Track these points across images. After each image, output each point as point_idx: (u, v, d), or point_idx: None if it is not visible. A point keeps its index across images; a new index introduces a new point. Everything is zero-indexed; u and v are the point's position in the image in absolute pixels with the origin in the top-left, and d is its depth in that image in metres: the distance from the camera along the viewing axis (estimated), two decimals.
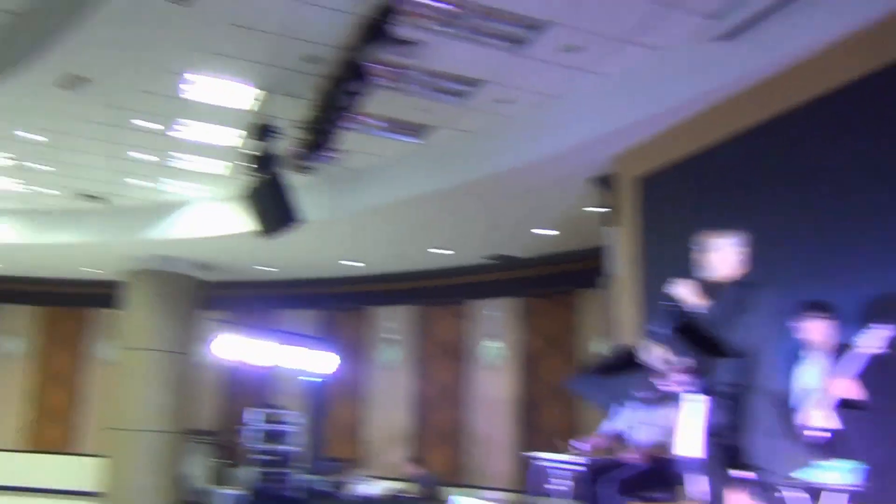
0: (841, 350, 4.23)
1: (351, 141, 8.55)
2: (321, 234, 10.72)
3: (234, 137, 8.52)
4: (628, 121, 6.84)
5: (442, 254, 11.82)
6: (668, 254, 6.74)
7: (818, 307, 4.45)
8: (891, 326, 3.98)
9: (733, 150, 6.16)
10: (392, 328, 13.75)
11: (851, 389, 4.11)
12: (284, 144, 7.74)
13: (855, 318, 4.37)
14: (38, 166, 9.57)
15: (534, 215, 9.74)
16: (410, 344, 13.48)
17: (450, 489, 11.86)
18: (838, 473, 3.81)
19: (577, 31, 6.21)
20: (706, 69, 6.13)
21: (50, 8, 6.53)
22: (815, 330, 4.40)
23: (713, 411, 3.48)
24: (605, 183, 8.01)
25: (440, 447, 12.68)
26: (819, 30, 5.34)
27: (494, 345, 12.51)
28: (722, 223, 5.94)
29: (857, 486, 3.89)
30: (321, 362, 8.92)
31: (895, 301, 4.62)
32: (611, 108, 6.97)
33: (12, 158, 9.33)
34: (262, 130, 7.73)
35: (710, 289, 3.61)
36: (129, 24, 6.32)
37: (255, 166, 7.92)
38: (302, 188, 9.58)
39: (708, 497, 3.62)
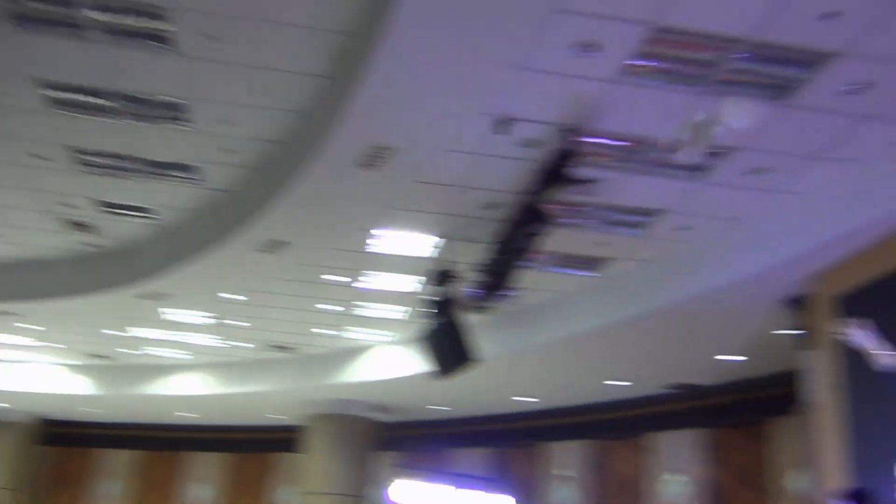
0: None
1: (527, 278, 8.71)
2: (495, 371, 10.75)
3: (414, 283, 8.87)
4: (823, 239, 6.56)
5: (619, 385, 11.52)
6: (870, 377, 6.27)
7: None
8: None
9: None
10: (566, 464, 13.32)
11: None
12: (462, 286, 7.96)
13: None
14: (237, 322, 10.31)
15: (717, 342, 9.38)
16: (586, 481, 12.97)
17: None
18: None
19: (763, 153, 6.15)
20: None
21: (257, 179, 7.23)
22: None
23: None
24: (797, 304, 7.65)
25: None
26: None
27: (677, 479, 11.81)
28: None
29: None
30: None
31: None
32: (801, 227, 6.74)
33: (214, 317, 10.13)
34: (441, 275, 8.01)
35: None
36: (326, 192, 6.85)
37: (433, 309, 8.16)
38: (478, 327, 9.78)
39: None
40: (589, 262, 8.38)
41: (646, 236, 7.66)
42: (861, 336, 6.19)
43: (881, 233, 6.29)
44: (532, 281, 8.74)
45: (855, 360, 6.59)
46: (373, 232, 7.76)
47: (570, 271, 8.57)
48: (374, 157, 6.33)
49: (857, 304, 6.66)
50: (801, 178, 6.46)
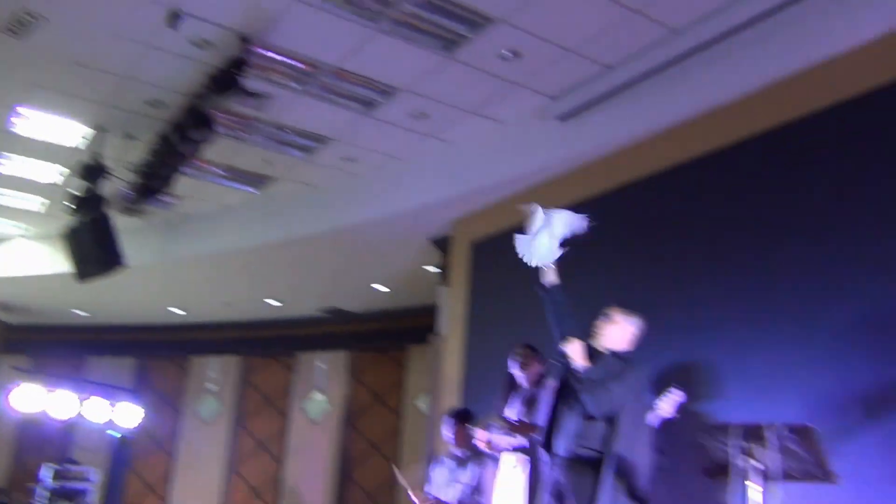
0: None
1: (186, 186, 8.38)
2: (145, 279, 10.28)
3: (58, 174, 8.09)
4: (467, 188, 7.19)
5: (272, 304, 11.65)
6: (492, 316, 7.10)
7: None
8: (681, 393, 4.45)
9: None
10: (213, 379, 13.25)
11: None
12: (114, 186, 7.43)
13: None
14: None
15: (369, 272, 9.87)
16: (232, 396, 13.03)
17: None
18: None
19: (426, 99, 6.51)
20: (543, 146, 6.59)
21: None
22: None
23: (561, 471, 3.63)
24: (440, 244, 8.32)
25: (254, 503, 12.27)
26: (641, 120, 5.93)
27: (319, 398, 12.37)
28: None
29: None
30: (126, 415, 8.39)
31: (689, 370, 5.11)
32: (452, 174, 7.30)
33: None
34: (91, 170, 7.37)
35: (594, 354, 3.84)
36: None
37: (78, 206, 7.52)
38: (129, 231, 9.20)
39: None
40: (253, 179, 8.29)
41: (312, 161, 7.76)
42: None
43: (514, 189, 7.05)
44: (191, 189, 8.44)
45: (479, 298, 7.39)
46: (17, 109, 6.90)
47: (232, 185, 8.40)
48: (20, 24, 5.60)
49: (488, 250, 7.43)
50: (455, 129, 6.99)
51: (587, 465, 3.50)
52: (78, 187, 7.41)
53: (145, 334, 13.26)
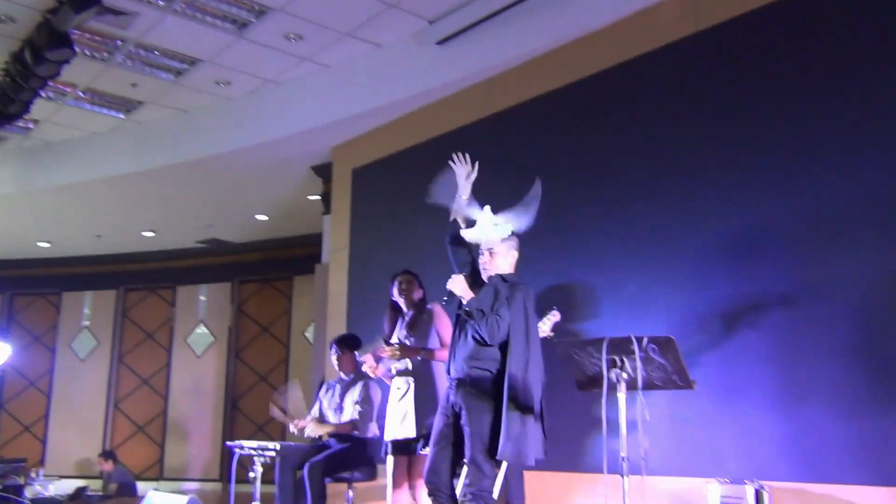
0: None
1: (46, 111, 7.87)
2: (8, 211, 9.67)
3: None
4: (346, 113, 7.05)
5: (148, 237, 11.22)
6: (374, 242, 7.10)
7: None
8: (558, 314, 4.63)
9: (439, 148, 6.61)
10: (90, 314, 12.73)
11: None
12: None
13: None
14: None
15: (253, 201, 9.62)
16: (108, 332, 12.58)
17: (151, 484, 11.35)
18: None
19: (299, 20, 6.27)
20: (422, 71, 6.51)
21: None
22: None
23: (456, 393, 3.68)
24: (323, 172, 8.18)
25: (139, 440, 12.04)
26: (518, 45, 5.93)
27: (203, 332, 12.13)
28: (424, 216, 6.42)
29: None
30: None
31: (567, 292, 5.31)
32: (331, 99, 7.14)
33: None
34: None
35: (481, 284, 3.84)
36: None
37: None
38: None
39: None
40: (119, 103, 7.84)
41: (182, 84, 7.40)
42: None
43: (394, 115, 6.98)
44: (53, 114, 7.93)
45: (361, 225, 7.36)
46: None
47: (97, 109, 7.92)
48: None
49: (369, 177, 7.37)
50: (332, 52, 6.80)
51: (481, 386, 3.56)
52: None
53: (13, 269, 12.53)
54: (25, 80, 6.32)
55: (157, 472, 11.76)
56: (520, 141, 5.97)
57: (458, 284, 3.73)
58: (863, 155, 4.06)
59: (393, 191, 7.05)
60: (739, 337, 4.34)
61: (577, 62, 5.62)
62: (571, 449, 4.87)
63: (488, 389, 3.54)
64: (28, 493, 8.62)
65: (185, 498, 4.66)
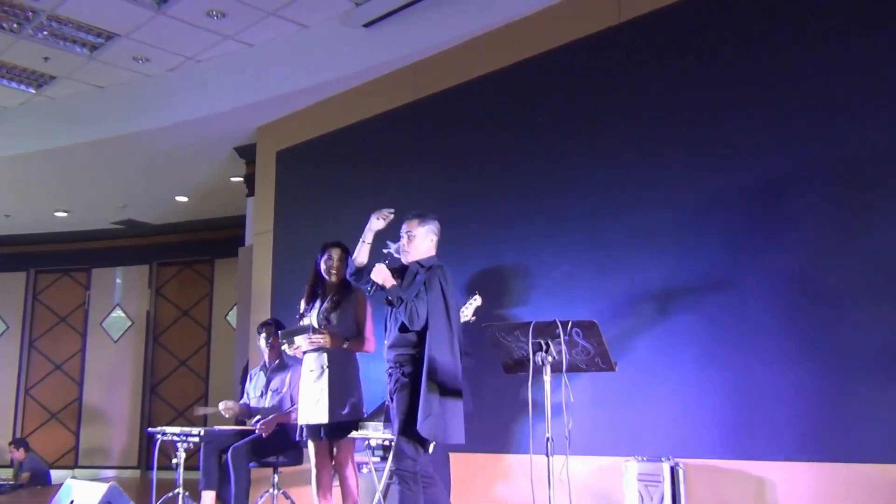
0: None
1: None
2: None
3: None
4: (270, 94, 6.93)
5: (62, 217, 10.79)
6: (298, 225, 7.03)
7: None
8: (479, 298, 4.68)
9: (364, 132, 6.59)
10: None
11: None
12: None
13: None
14: None
15: (173, 182, 9.36)
16: (18, 315, 12.07)
17: (65, 472, 11.00)
18: None
19: None
20: (348, 53, 6.43)
21: None
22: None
23: (388, 378, 3.77)
24: (246, 154, 8.03)
25: (52, 427, 11.64)
26: (446, 30, 5.92)
27: (119, 315, 11.77)
28: (349, 200, 6.41)
29: None
30: None
31: (494, 278, 5.38)
32: (254, 79, 6.99)
33: None
34: None
35: (402, 270, 3.88)
36: None
37: None
38: None
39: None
40: (30, 77, 7.49)
41: (98, 59, 7.12)
42: None
43: (319, 96, 6.90)
44: None
45: (285, 208, 7.26)
46: None
47: (6, 83, 7.56)
48: None
49: (293, 159, 7.27)
50: (256, 31, 6.65)
51: (404, 369, 3.66)
52: None
53: None
54: None
55: (73, 460, 11.42)
56: (445, 126, 5.99)
57: (380, 274, 3.76)
58: (794, 129, 4.18)
59: (318, 174, 6.98)
60: (665, 320, 4.49)
61: (502, 49, 5.66)
62: (499, 430, 4.96)
63: (409, 371, 3.63)
64: None
65: (105, 486, 4.52)
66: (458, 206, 5.69)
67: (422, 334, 3.63)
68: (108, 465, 11.16)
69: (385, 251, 3.85)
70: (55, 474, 10.19)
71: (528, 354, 3.06)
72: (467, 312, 4.71)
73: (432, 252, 3.91)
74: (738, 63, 4.46)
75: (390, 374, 3.75)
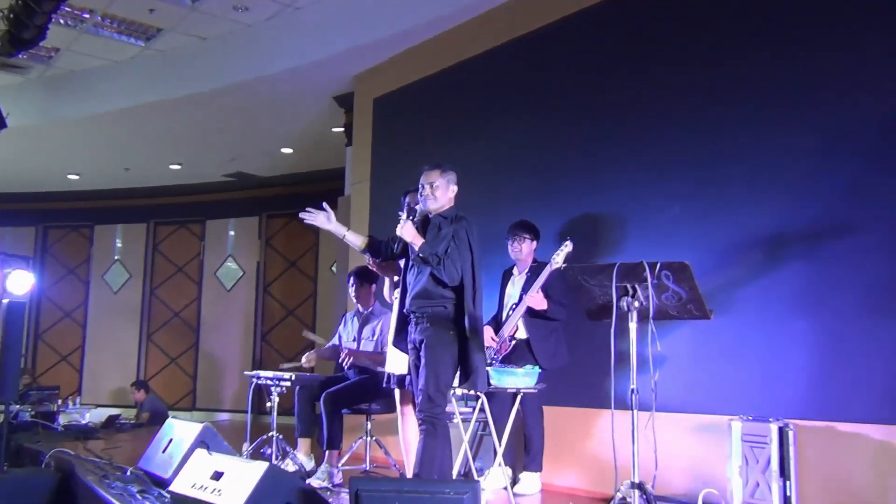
0: (538, 267, 4.62)
1: (65, 38, 7.75)
2: (32, 141, 9.65)
3: None
4: (366, 39, 6.80)
5: (176, 170, 11.17)
6: (396, 174, 6.91)
7: (522, 228, 4.79)
8: (570, 243, 4.44)
9: (460, 76, 6.37)
10: (121, 248, 12.83)
11: (539, 302, 4.53)
12: None
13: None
14: None
15: (277, 133, 9.46)
16: (140, 265, 12.67)
17: (184, 414, 11.54)
18: (526, 377, 4.16)
19: None
20: None
21: None
22: (519, 249, 4.76)
23: (416, 328, 3.81)
24: (345, 103, 7.98)
25: (171, 371, 12.22)
26: None
27: (232, 266, 12.15)
28: (445, 146, 6.23)
29: (538, 386, 4.25)
30: (18, 282, 8.15)
31: (580, 222, 5.10)
32: (351, 25, 6.88)
33: None
34: None
35: (426, 223, 3.88)
36: None
37: None
38: (9, 89, 8.54)
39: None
40: (137, 29, 7.66)
41: (200, 10, 7.18)
42: None
43: (415, 41, 6.70)
44: (73, 42, 7.80)
45: (382, 156, 7.17)
46: None
47: (115, 36, 7.76)
48: None
49: (389, 106, 7.15)
50: None
51: (439, 322, 3.68)
52: None
53: (45, 202, 12.64)
54: (37, 2, 6.15)
55: (191, 403, 11.96)
56: (543, 67, 5.68)
57: (408, 231, 3.80)
58: None
59: (414, 120, 6.83)
60: (775, 270, 4.09)
61: None
62: (591, 382, 4.72)
63: (446, 325, 3.66)
64: (62, 419, 8.81)
65: (200, 425, 4.63)
66: (554, 150, 5.44)
67: (453, 287, 3.67)
68: (223, 408, 11.62)
69: (400, 213, 3.88)
70: (174, 416, 10.68)
71: (613, 299, 2.80)
72: (558, 259, 4.48)
73: (452, 203, 3.90)
74: None
75: (416, 324, 3.78)
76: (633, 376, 2.83)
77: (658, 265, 2.71)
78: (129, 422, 9.50)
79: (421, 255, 3.72)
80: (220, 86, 8.00)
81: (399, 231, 3.80)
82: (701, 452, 4.17)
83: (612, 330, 2.80)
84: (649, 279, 2.73)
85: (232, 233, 12.26)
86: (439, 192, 3.85)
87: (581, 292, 3.00)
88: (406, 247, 3.90)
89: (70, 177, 11.67)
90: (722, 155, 4.43)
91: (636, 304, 2.80)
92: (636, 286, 2.80)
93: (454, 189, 3.89)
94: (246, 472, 3.17)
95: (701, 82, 4.63)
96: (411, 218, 3.84)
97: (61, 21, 7.33)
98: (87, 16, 7.34)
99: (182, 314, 12.33)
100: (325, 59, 7.17)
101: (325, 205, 4.04)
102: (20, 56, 7.22)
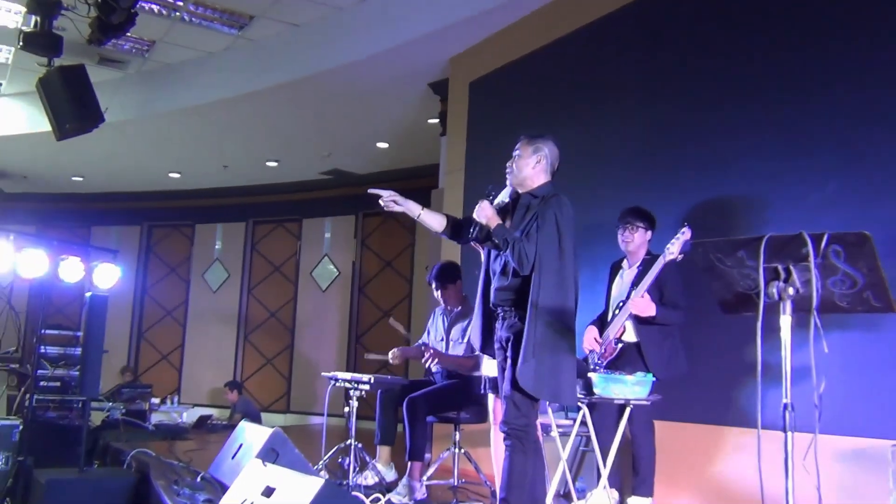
0: (651, 260, 3.98)
1: (159, 29, 7.61)
2: (131, 137, 9.63)
3: (14, 17, 7.29)
4: (461, 16, 6.30)
5: (273, 167, 11.00)
6: (490, 160, 6.37)
7: (634, 215, 4.18)
8: (687, 230, 3.78)
9: (560, 53, 5.78)
10: (219, 246, 12.80)
11: (645, 307, 3.87)
12: (80, 27, 6.61)
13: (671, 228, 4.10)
14: None
15: (373, 125, 9.09)
16: (238, 264, 12.59)
17: (278, 416, 11.34)
18: (637, 386, 3.56)
19: None
20: None
21: None
22: (630, 239, 4.14)
23: (500, 324, 3.38)
24: (440, 90, 7.51)
25: (267, 372, 12.04)
26: None
27: (328, 266, 11.88)
28: (544, 130, 5.62)
29: (651, 397, 3.66)
30: (104, 276, 8.06)
31: (702, 209, 4.42)
32: (438, 5, 6.39)
33: None
34: (44, 4, 6.53)
35: (514, 202, 3.43)
36: None
37: (44, 52, 6.73)
38: (108, 84, 8.48)
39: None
40: (229, 18, 7.42)
41: None
42: None
43: (512, 17, 6.16)
44: (167, 33, 7.65)
45: (477, 144, 6.64)
46: None
47: (210, 25, 7.55)
48: None
49: (485, 90, 6.61)
50: None
51: (521, 318, 3.18)
52: (40, 29, 6.60)
53: (150, 202, 12.78)
54: None
55: (285, 406, 11.76)
56: (653, 40, 5.01)
57: (484, 212, 3.31)
58: None
59: (511, 103, 6.27)
60: None
61: None
62: (716, 395, 4.01)
63: (523, 322, 3.18)
64: (155, 418, 8.69)
65: (270, 430, 4.23)
66: (667, 133, 4.79)
67: (534, 279, 3.12)
68: (317, 411, 11.33)
69: (488, 191, 3.39)
70: (268, 418, 10.48)
71: (759, 285, 2.11)
72: (673, 249, 3.81)
73: (543, 179, 3.36)
74: None
75: (502, 321, 3.32)
76: (786, 387, 2.12)
77: (825, 237, 1.99)
78: (221, 423, 9.32)
79: (495, 238, 3.23)
80: (312, 72, 7.66)
81: (475, 213, 3.33)
82: (856, 483, 3.40)
83: (759, 324, 2.09)
84: (811, 257, 2.01)
85: (328, 234, 11.99)
86: (523, 163, 3.36)
87: (713, 277, 2.31)
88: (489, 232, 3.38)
89: (171, 175, 11.70)
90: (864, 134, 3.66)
91: (790, 290, 2.10)
92: (791, 267, 2.09)
93: (544, 163, 3.37)
94: (300, 489, 2.68)
95: (849, 52, 3.86)
96: (491, 197, 3.35)
97: (154, 9, 7.18)
98: (180, 2, 7.15)
99: (278, 314, 12.16)
100: (419, 38, 6.69)
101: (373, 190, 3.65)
102: (109, 45, 7.05)
